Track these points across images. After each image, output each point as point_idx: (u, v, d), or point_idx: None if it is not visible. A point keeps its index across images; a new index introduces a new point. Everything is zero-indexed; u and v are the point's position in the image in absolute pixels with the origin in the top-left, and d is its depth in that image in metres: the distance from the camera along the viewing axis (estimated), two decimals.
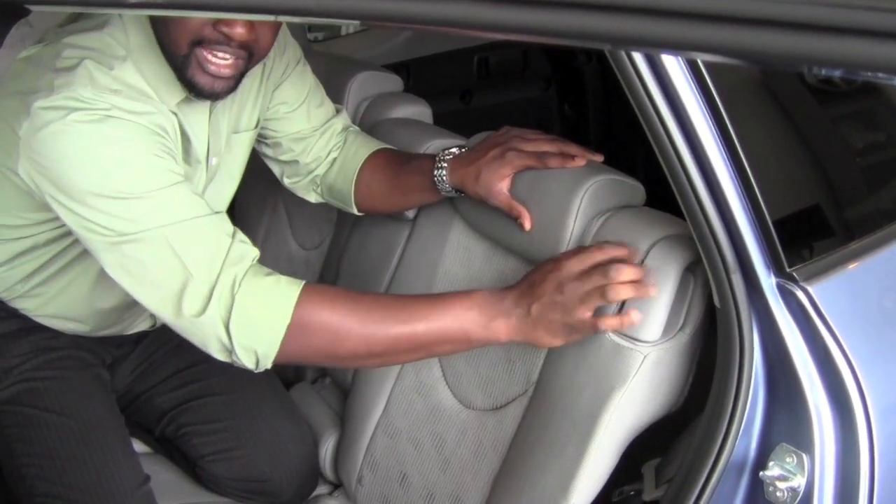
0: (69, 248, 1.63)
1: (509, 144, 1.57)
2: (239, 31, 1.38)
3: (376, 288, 1.93)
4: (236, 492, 1.93)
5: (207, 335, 1.38)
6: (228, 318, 1.35)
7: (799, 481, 1.24)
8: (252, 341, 1.37)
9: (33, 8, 1.20)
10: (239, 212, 2.51)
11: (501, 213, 1.58)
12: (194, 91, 1.46)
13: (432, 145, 1.85)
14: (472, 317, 1.40)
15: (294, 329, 1.37)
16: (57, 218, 1.50)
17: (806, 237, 1.37)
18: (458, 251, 1.75)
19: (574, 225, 1.47)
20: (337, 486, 2.00)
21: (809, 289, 1.24)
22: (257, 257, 1.40)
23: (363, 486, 1.84)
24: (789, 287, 1.24)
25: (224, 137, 1.64)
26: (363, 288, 1.97)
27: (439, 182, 1.65)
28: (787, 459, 1.25)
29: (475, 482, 1.63)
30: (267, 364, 1.40)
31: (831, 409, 1.25)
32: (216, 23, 1.37)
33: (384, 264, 1.94)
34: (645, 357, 1.38)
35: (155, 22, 1.43)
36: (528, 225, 1.52)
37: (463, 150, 1.65)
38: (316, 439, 1.99)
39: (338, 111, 1.87)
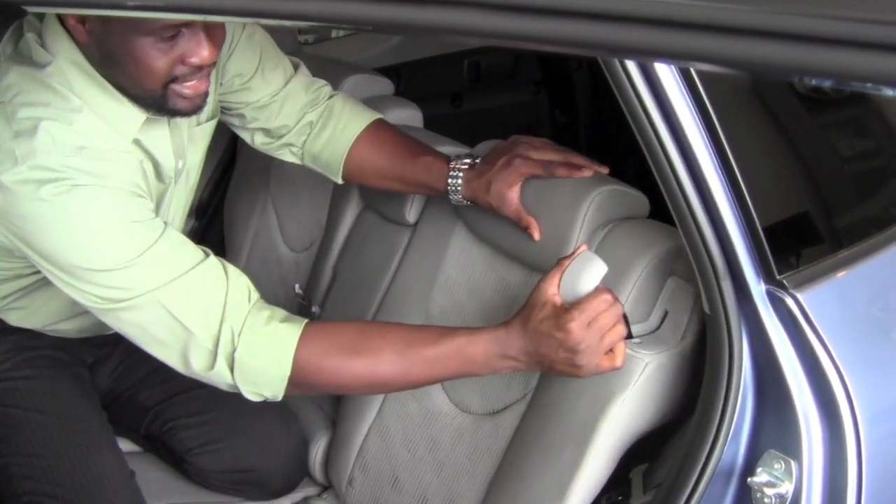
0: None
1: (516, 151, 1.58)
2: (205, 56, 1.35)
3: (374, 292, 1.93)
4: (225, 484, 1.93)
5: (218, 383, 1.43)
6: (233, 370, 1.38)
7: (787, 487, 1.24)
8: (258, 388, 1.42)
9: (30, 9, 1.19)
10: (228, 214, 2.50)
11: (506, 220, 1.59)
12: (177, 115, 1.45)
13: None
14: (475, 360, 1.40)
15: (296, 375, 1.40)
16: None
17: (796, 245, 1.38)
18: (460, 257, 1.75)
19: (579, 234, 1.49)
20: (326, 487, 2.00)
21: (799, 296, 1.25)
22: (255, 300, 1.41)
23: (354, 488, 1.83)
24: (779, 294, 1.24)
25: (185, 136, 1.59)
26: (360, 292, 1.97)
27: (452, 192, 1.66)
28: (776, 466, 1.26)
29: (470, 485, 1.63)
30: (277, 399, 1.45)
31: (820, 415, 1.25)
32: (183, 60, 1.34)
33: (383, 269, 1.94)
34: (646, 365, 1.39)
35: (113, 76, 1.38)
36: (537, 235, 1.54)
37: (476, 160, 1.64)
38: (303, 432, 1.99)
39: (296, 67, 1.80)
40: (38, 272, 1.58)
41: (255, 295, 1.42)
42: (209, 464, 1.91)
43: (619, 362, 1.35)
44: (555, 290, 1.36)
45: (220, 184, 2.60)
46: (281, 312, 1.42)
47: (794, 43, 0.60)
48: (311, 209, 2.24)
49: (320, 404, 2.09)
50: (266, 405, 1.91)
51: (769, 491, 1.25)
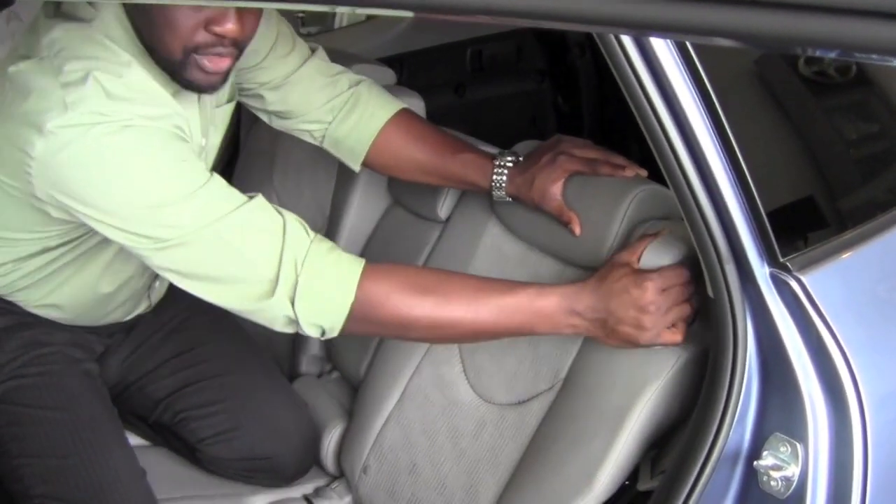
0: (81, 244, 1.61)
1: (560, 149, 1.61)
2: (231, 28, 1.36)
3: None
4: (239, 472, 1.93)
5: (275, 315, 1.39)
6: (294, 297, 1.36)
7: (793, 471, 1.24)
8: (318, 318, 1.39)
9: None
10: None
11: (541, 215, 1.61)
12: (191, 88, 1.45)
13: None
14: (543, 312, 1.41)
15: (359, 306, 1.39)
16: (70, 222, 1.47)
17: (799, 227, 1.38)
18: (491, 252, 1.76)
19: (619, 229, 1.50)
20: (336, 477, 2.00)
21: (803, 278, 1.24)
22: (314, 234, 1.41)
23: (368, 476, 1.83)
24: (783, 277, 1.24)
25: (209, 115, 1.62)
26: None
27: (496, 188, 1.68)
28: (782, 449, 1.26)
29: (491, 473, 1.64)
30: (333, 334, 1.42)
31: (825, 398, 1.25)
32: (207, 25, 1.35)
33: (411, 261, 1.94)
34: (679, 356, 1.40)
35: (141, 28, 1.40)
36: (578, 230, 1.55)
37: (519, 158, 1.67)
38: (314, 418, 1.99)
39: (314, 51, 1.80)
40: (66, 244, 1.59)
41: (312, 232, 1.41)
42: (222, 452, 1.91)
43: (680, 338, 1.37)
44: (636, 258, 1.39)
45: (223, 177, 2.59)
46: (340, 248, 1.43)
47: (796, 13, 0.59)
48: (314, 200, 2.24)
49: (336, 395, 2.09)
50: (276, 391, 1.95)
51: (775, 474, 1.25)
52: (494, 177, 1.67)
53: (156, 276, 1.84)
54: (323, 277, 1.37)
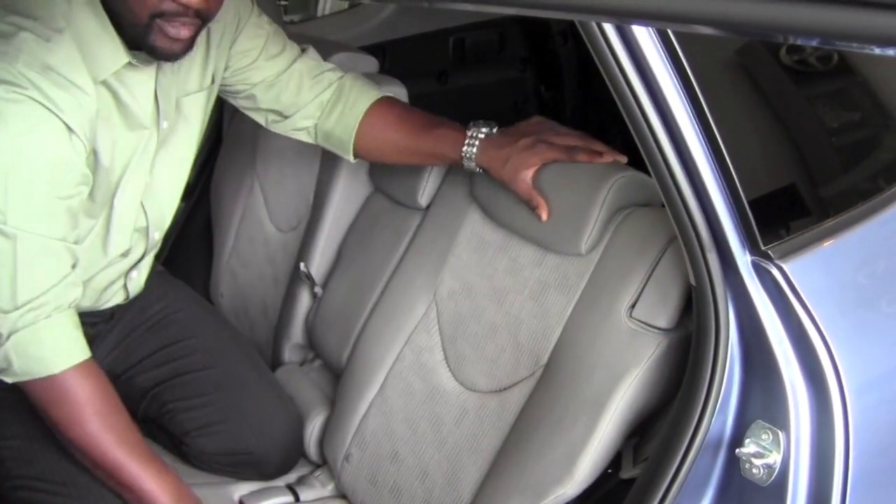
0: None
1: (541, 135, 1.62)
2: (194, 0, 1.38)
3: (381, 273, 1.93)
4: (223, 466, 1.93)
5: None
6: (13, 332, 1.43)
7: (775, 458, 1.25)
8: (14, 362, 1.46)
9: None
10: (215, 196, 2.49)
11: (522, 202, 1.61)
12: (154, 54, 1.47)
13: None
14: (156, 493, 1.55)
15: (50, 382, 1.48)
16: None
17: (781, 215, 1.38)
18: (472, 239, 1.76)
19: (598, 215, 1.51)
20: (319, 465, 1.99)
21: (784, 266, 1.25)
22: (75, 302, 1.51)
23: (350, 464, 1.83)
24: (764, 265, 1.24)
25: (173, 101, 1.64)
26: (366, 273, 1.98)
27: (467, 159, 1.68)
28: (763, 436, 1.26)
29: (473, 460, 1.64)
30: (6, 377, 1.50)
31: (807, 386, 1.25)
32: None
33: (391, 250, 1.94)
34: (660, 343, 1.41)
35: None
36: (545, 216, 1.56)
37: (493, 129, 1.67)
38: (300, 412, 1.99)
39: (304, 50, 1.85)
40: None
41: (74, 302, 1.51)
42: (207, 446, 1.91)
43: None
44: None
45: (206, 165, 2.59)
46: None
47: (777, 1, 0.59)
48: (297, 188, 2.24)
49: (318, 383, 2.09)
50: (264, 388, 1.95)
51: (757, 461, 1.26)
52: (465, 148, 1.68)
53: (132, 268, 1.83)
54: (53, 337, 1.47)
